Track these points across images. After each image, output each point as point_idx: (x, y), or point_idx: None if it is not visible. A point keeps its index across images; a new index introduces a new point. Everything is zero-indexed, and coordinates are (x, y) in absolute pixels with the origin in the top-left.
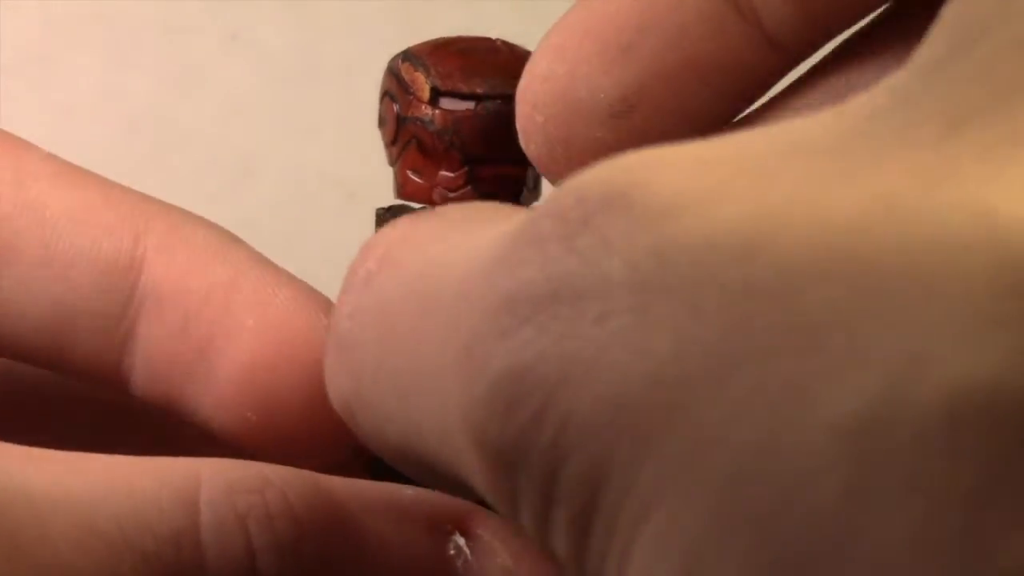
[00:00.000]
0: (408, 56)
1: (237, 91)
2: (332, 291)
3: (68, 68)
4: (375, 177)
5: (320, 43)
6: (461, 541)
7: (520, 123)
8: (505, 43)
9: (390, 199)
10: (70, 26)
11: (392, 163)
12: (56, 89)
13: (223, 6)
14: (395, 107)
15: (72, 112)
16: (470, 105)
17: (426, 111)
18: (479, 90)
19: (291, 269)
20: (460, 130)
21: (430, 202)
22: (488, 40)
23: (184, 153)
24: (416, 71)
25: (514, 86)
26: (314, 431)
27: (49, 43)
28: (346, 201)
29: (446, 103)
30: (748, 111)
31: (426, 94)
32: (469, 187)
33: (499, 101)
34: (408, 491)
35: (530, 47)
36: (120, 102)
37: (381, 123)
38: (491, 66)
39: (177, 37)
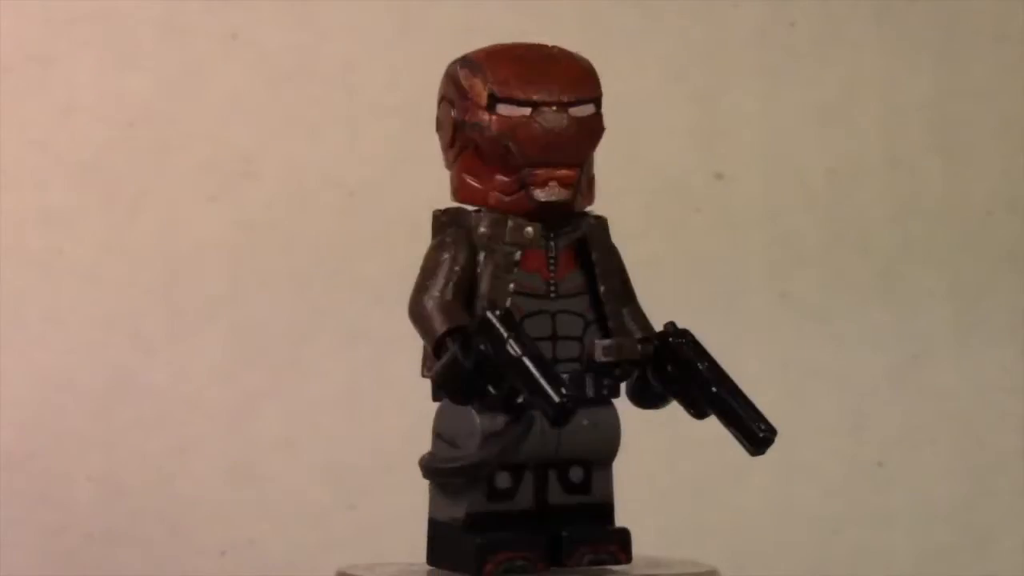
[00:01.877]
0: (466, 62)
1: (237, 91)
2: (331, 289)
3: (68, 68)
4: (375, 176)
5: (319, 43)
6: None
7: None
8: (561, 50)
9: (390, 198)
10: (70, 26)
11: (449, 166)
12: (56, 88)
13: (223, 6)
14: (452, 112)
15: (72, 111)
16: (526, 112)
17: (483, 116)
18: (535, 97)
19: (291, 268)
20: (516, 136)
21: (486, 204)
22: (544, 47)
23: (184, 153)
24: (474, 77)
25: (569, 93)
26: None
27: (49, 43)
28: (346, 200)
29: (503, 109)
30: None
31: (484, 100)
32: (523, 191)
33: (554, 108)
34: None
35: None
36: (120, 102)
37: (439, 127)
38: (547, 73)
39: (177, 37)
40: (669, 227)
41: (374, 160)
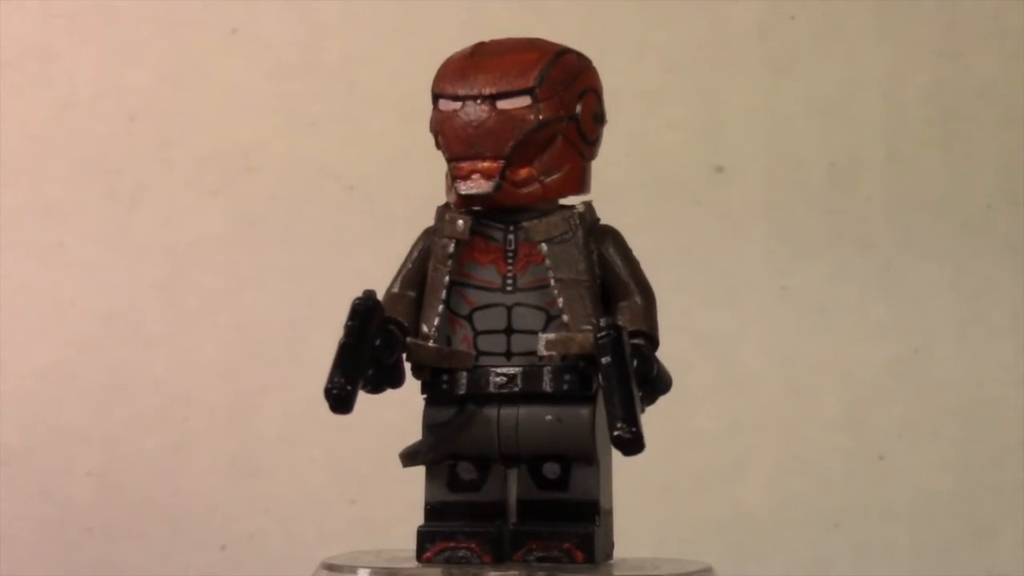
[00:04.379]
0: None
1: (237, 85)
2: (330, 284)
3: (68, 62)
4: (375, 170)
5: (319, 38)
6: None
7: None
8: (515, 43)
9: (390, 192)
10: (71, 20)
11: None
12: (57, 83)
13: (223, 1)
14: None
15: (72, 106)
16: (456, 106)
17: (432, 114)
18: (461, 92)
19: (290, 261)
20: (443, 130)
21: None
22: (500, 42)
23: (184, 147)
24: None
25: (496, 85)
26: None
27: (50, 37)
28: (346, 194)
29: (441, 105)
30: None
31: (431, 99)
32: (455, 184)
33: (479, 100)
34: None
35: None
36: (120, 96)
37: None
38: (481, 69)
39: (177, 31)
40: (669, 220)
41: (374, 155)
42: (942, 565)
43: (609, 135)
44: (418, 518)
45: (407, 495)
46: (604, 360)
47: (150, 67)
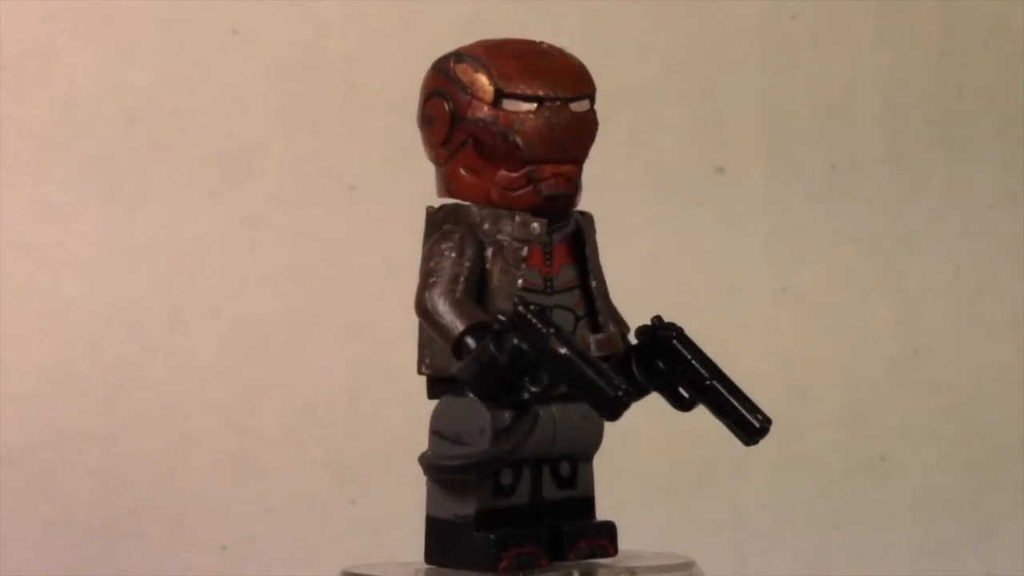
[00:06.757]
0: (465, 57)
1: (238, 85)
2: (331, 285)
3: (69, 62)
4: (375, 171)
5: (320, 38)
6: None
7: None
8: (551, 46)
9: (390, 193)
10: (71, 20)
11: (441, 162)
12: (57, 83)
13: (223, 1)
14: (447, 107)
15: (73, 106)
16: (531, 107)
17: (487, 112)
18: (540, 92)
19: (291, 262)
20: (523, 131)
21: (487, 200)
22: (535, 42)
23: (185, 147)
24: (477, 72)
25: (570, 88)
26: None
27: (50, 37)
28: (346, 195)
29: (508, 104)
30: None
31: (489, 95)
32: (531, 186)
33: (558, 103)
34: None
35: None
36: (121, 96)
37: (427, 123)
38: (547, 69)
39: (177, 31)
40: (670, 221)
41: (374, 155)
42: (942, 565)
43: (609, 135)
44: (418, 519)
45: (407, 497)
46: (694, 358)
47: (150, 67)
